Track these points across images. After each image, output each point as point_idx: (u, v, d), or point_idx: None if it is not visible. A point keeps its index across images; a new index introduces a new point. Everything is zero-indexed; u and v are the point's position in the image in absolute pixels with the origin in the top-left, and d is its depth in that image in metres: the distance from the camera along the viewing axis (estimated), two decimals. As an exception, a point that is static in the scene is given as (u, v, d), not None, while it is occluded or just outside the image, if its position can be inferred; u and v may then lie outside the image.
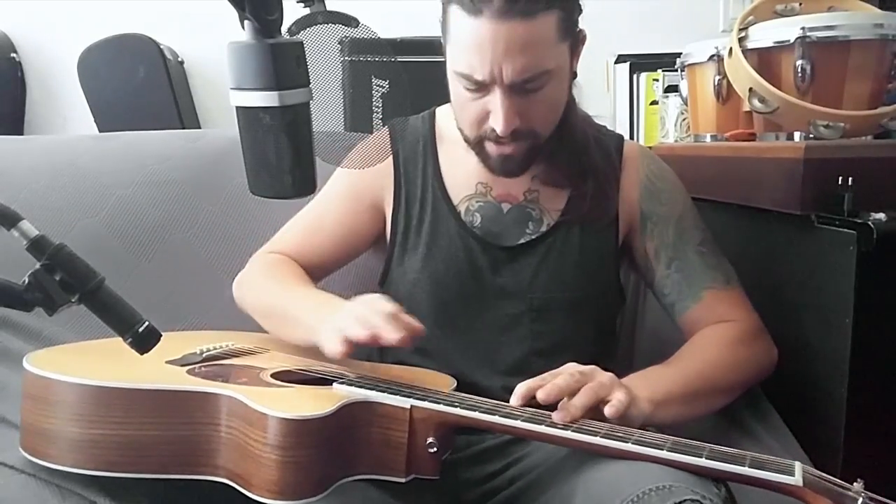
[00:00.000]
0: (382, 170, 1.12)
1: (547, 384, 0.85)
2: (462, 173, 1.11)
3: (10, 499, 0.81)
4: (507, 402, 0.86)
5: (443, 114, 1.15)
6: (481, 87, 0.96)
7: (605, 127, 1.18)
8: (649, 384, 0.93)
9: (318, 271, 1.15)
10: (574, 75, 1.05)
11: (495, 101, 0.95)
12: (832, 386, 1.06)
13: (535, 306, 1.06)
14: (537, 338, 1.06)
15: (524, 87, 0.95)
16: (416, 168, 1.12)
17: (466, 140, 1.05)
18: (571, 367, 0.89)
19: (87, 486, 0.82)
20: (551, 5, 0.92)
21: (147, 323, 0.72)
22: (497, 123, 0.96)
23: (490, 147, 1.01)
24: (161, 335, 0.74)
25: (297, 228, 1.18)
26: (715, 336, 1.05)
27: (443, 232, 1.09)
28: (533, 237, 1.08)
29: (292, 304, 1.03)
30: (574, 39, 1.00)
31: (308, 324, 0.96)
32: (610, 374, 0.89)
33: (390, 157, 1.13)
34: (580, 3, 1.00)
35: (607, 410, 0.84)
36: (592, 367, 0.90)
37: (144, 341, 0.73)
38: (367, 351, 1.21)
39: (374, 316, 0.88)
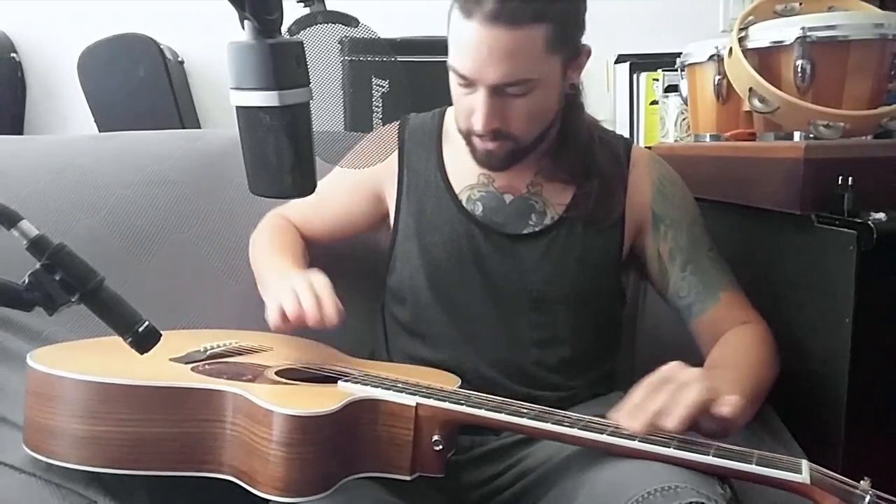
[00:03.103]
0: (386, 161, 1.13)
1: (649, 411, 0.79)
2: (465, 165, 1.13)
3: (11, 499, 0.81)
4: (506, 389, 0.87)
5: (451, 112, 1.17)
6: (468, 84, 1.00)
7: (612, 131, 1.19)
8: (732, 390, 0.86)
9: (317, 243, 1.25)
10: (574, 87, 1.08)
11: (478, 100, 0.99)
12: (832, 386, 1.06)
13: (534, 297, 1.08)
14: (536, 328, 1.07)
15: (505, 90, 0.98)
16: (420, 159, 1.15)
17: (459, 132, 1.09)
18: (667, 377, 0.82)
19: (88, 486, 0.83)
20: (540, 18, 0.95)
21: (147, 323, 0.72)
22: (476, 121, 1.01)
23: (475, 140, 1.05)
24: (161, 335, 0.74)
25: (304, 203, 1.22)
26: (747, 337, 1.06)
27: (445, 219, 1.11)
28: (537, 229, 1.10)
29: (265, 269, 1.14)
30: (569, 53, 1.02)
31: (267, 286, 1.08)
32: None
33: (396, 151, 1.16)
34: (582, 19, 1.02)
35: (723, 410, 0.79)
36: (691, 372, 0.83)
37: (144, 341, 0.73)
38: (371, 346, 1.22)
39: (305, 293, 0.96)
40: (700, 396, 0.78)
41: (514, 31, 0.94)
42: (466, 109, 1.03)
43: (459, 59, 0.98)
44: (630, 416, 0.80)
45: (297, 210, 1.25)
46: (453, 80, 1.03)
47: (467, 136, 1.06)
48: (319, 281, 0.99)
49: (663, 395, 0.80)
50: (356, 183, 1.19)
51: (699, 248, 1.12)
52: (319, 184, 1.17)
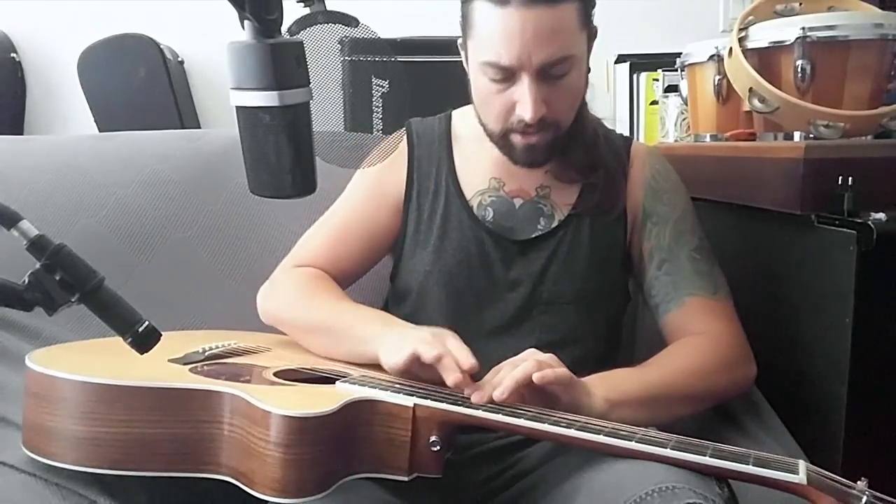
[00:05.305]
0: (398, 168, 1.14)
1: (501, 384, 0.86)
2: (475, 169, 1.12)
3: (11, 498, 0.81)
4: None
5: (458, 115, 1.18)
6: (507, 77, 0.99)
7: (612, 129, 1.19)
8: (608, 384, 0.94)
9: (348, 279, 1.16)
10: (588, 69, 1.07)
11: (523, 89, 0.98)
12: (832, 386, 1.06)
13: (544, 299, 1.08)
14: (546, 330, 1.07)
15: (550, 72, 0.98)
16: (430, 164, 1.14)
17: (490, 135, 1.07)
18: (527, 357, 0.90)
19: (88, 486, 0.82)
20: None
21: (147, 323, 0.72)
22: (525, 111, 0.98)
23: (516, 138, 1.03)
24: (161, 335, 0.74)
25: (323, 238, 1.17)
26: (688, 345, 1.05)
27: (454, 226, 1.10)
28: (544, 232, 1.10)
29: (339, 319, 1.04)
30: (591, 30, 1.04)
31: (360, 336, 0.99)
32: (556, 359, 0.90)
33: (405, 156, 1.15)
34: None
35: (535, 377, 0.85)
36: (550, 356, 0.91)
37: (144, 341, 0.72)
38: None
39: (444, 342, 0.90)
40: (524, 372, 0.86)
41: (553, 8, 0.95)
42: (505, 105, 1.01)
43: (498, 51, 0.97)
44: (474, 390, 0.87)
45: (317, 253, 1.15)
46: (485, 79, 1.01)
47: (504, 135, 1.04)
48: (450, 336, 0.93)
49: (501, 373, 0.89)
50: (376, 201, 1.15)
51: (680, 248, 1.10)
52: (333, 218, 1.18)
